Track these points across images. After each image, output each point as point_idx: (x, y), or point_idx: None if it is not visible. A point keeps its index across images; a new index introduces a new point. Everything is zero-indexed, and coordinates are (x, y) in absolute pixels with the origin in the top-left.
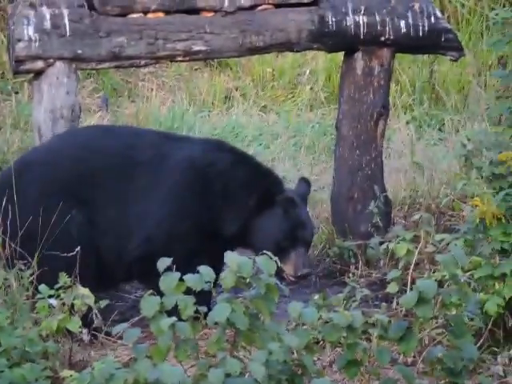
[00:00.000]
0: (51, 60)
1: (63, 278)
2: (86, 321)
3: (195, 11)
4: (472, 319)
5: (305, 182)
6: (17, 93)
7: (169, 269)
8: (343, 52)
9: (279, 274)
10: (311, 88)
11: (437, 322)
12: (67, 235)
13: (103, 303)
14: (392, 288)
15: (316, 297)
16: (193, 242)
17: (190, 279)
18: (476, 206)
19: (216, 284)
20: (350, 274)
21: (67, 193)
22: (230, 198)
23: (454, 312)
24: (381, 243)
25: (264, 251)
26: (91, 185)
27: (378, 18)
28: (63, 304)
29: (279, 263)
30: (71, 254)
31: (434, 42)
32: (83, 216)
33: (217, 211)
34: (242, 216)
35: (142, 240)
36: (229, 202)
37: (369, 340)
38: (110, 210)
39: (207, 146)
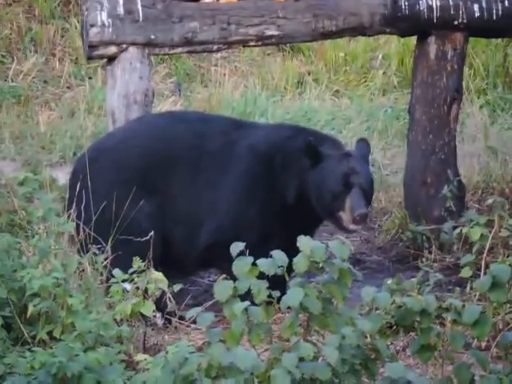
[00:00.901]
0: (124, 45)
1: (137, 263)
2: (160, 305)
3: None
4: None
5: (363, 143)
6: (90, 78)
7: (242, 253)
8: (416, 36)
9: (339, 223)
10: (384, 72)
11: (511, 307)
12: (137, 223)
13: (177, 287)
14: (466, 272)
15: (389, 281)
16: (263, 228)
17: (263, 264)
18: None
19: (290, 269)
20: (424, 259)
21: (138, 181)
22: (287, 166)
23: None
24: (454, 228)
25: (323, 205)
26: (162, 174)
27: (451, 2)
28: (137, 288)
29: (337, 213)
30: (143, 239)
31: (507, 25)
32: (153, 204)
33: (279, 185)
34: (298, 177)
35: (212, 229)
36: (287, 170)
37: (442, 325)
38: (180, 199)
39: (271, 130)
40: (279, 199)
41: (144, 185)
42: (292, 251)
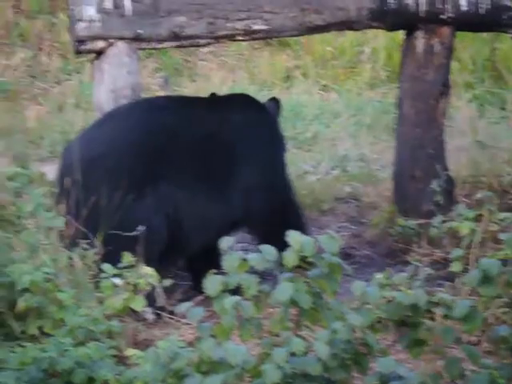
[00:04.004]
0: (112, 40)
1: (127, 258)
2: (150, 300)
3: None
4: None
5: (273, 102)
6: (78, 73)
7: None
8: (403, 30)
9: None
10: (372, 66)
11: (501, 301)
12: (140, 220)
13: (167, 282)
14: (455, 267)
15: (379, 276)
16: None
17: (253, 259)
18: None
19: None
20: (413, 253)
21: (132, 177)
22: None
23: None
24: (443, 222)
25: None
26: (158, 169)
27: None
28: (127, 283)
29: None
30: (135, 233)
31: (495, 19)
32: (153, 198)
33: None
34: None
35: (263, 198)
36: None
37: (432, 319)
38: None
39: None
40: None
41: (138, 180)
42: None
